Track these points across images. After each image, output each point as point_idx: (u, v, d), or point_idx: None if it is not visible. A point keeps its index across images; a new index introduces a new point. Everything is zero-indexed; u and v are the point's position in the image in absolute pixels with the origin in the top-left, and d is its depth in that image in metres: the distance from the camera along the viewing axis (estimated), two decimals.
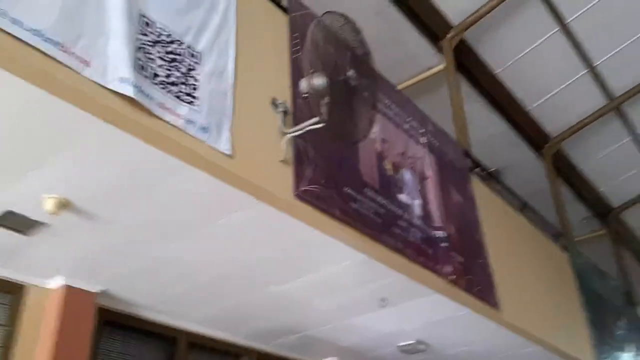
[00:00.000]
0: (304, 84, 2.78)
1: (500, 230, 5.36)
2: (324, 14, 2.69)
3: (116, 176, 2.65)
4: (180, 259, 3.52)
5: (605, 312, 7.35)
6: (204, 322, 4.56)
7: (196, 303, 4.25)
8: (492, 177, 5.90)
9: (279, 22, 3.47)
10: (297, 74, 3.28)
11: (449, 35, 6.60)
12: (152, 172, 2.64)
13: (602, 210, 11.11)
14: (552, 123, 8.74)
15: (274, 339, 5.01)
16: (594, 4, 7.08)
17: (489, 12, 6.58)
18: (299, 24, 3.57)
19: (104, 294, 3.81)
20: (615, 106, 8.77)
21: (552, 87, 8.14)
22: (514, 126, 8.33)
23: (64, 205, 2.82)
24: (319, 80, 2.62)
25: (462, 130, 5.93)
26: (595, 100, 8.55)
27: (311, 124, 2.83)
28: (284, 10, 3.55)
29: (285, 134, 2.95)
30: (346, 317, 4.60)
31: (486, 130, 7.79)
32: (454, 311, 4.39)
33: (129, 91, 2.24)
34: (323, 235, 3.20)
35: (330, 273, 3.80)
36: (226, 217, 3.04)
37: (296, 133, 2.91)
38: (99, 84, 2.18)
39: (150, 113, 2.33)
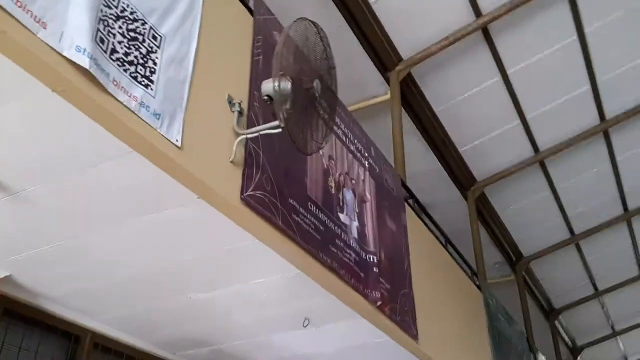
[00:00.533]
0: (267, 86, 2.69)
1: (426, 263, 5.43)
2: (299, 19, 2.62)
3: (52, 153, 2.44)
4: (99, 252, 3.27)
5: (510, 355, 7.59)
6: (113, 323, 4.28)
7: (108, 302, 3.97)
8: (423, 210, 6.00)
9: (244, 21, 3.39)
10: (255, 77, 3.20)
11: (397, 68, 6.72)
12: (91, 154, 2.45)
13: (513, 257, 11.60)
14: (480, 167, 9.06)
15: (183, 349, 4.78)
16: (534, 60, 7.45)
17: (438, 51, 6.77)
18: (262, 28, 3.50)
19: (7, 279, 3.50)
20: (539, 159, 9.22)
21: (485, 132, 8.46)
22: (444, 165, 8.56)
23: None
24: (286, 85, 2.53)
25: (400, 161, 6.01)
26: (522, 150, 8.97)
27: (269, 127, 2.74)
28: (250, 11, 3.47)
29: (239, 134, 2.83)
30: (264, 334, 4.47)
31: (419, 164, 7.95)
32: (375, 337, 4.36)
33: (84, 62, 2.07)
34: (261, 245, 3.09)
35: (259, 285, 3.67)
36: (160, 212, 2.87)
37: (251, 135, 2.81)
38: (53, 49, 2.00)
39: (103, 89, 2.16)
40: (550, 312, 14.13)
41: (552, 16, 6.92)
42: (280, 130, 2.72)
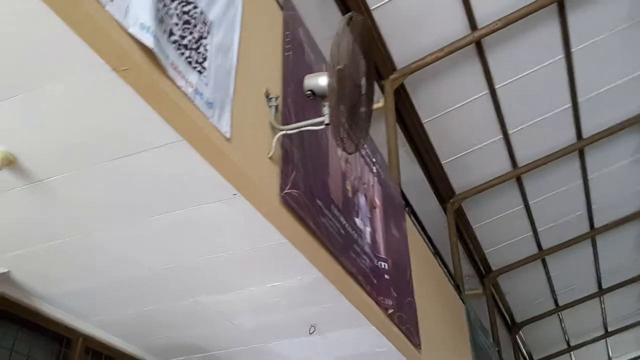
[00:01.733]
0: (310, 81, 2.60)
1: (422, 272, 5.40)
2: (352, 13, 2.54)
3: (92, 139, 2.27)
4: (109, 250, 3.06)
5: None
6: (106, 326, 4.06)
7: (104, 303, 3.76)
8: (417, 220, 5.98)
9: (276, 16, 3.29)
10: (286, 73, 3.10)
11: (392, 76, 6.71)
12: (136, 142, 2.29)
13: (482, 270, 11.74)
14: (460, 180, 9.14)
15: (176, 355, 4.58)
16: (522, 76, 7.58)
17: (432, 62, 6.80)
18: (290, 24, 3.40)
19: (3, 277, 3.26)
20: (516, 175, 9.38)
21: (468, 145, 8.54)
22: (427, 176, 8.60)
23: (9, 162, 2.38)
24: (335, 80, 2.44)
25: (395, 169, 5.98)
26: (501, 165, 9.10)
27: (313, 123, 2.64)
28: (280, 6, 3.37)
29: (278, 129, 2.72)
30: (265, 341, 4.32)
31: (403, 174, 7.94)
32: (378, 347, 4.28)
33: (149, 41, 1.93)
34: (290, 246, 2.97)
35: (274, 289, 3.55)
36: (190, 208, 2.72)
37: (292, 131, 2.70)
38: (119, 25, 1.86)
39: (164, 72, 2.02)
40: (513, 326, 14.36)
41: (543, 34, 7.07)
42: (324, 127, 2.63)
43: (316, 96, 2.69)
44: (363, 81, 2.64)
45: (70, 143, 2.29)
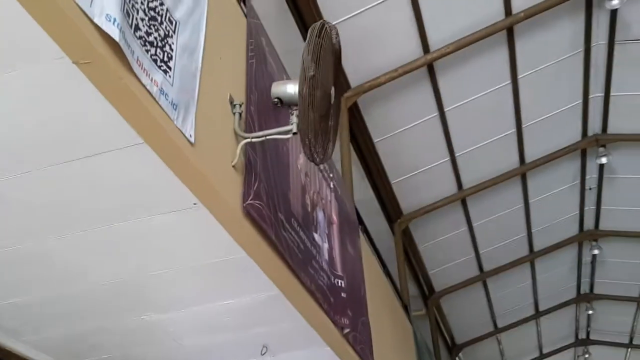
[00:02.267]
0: (278, 89, 2.51)
1: (374, 292, 5.34)
2: (322, 21, 2.48)
3: (44, 139, 2.09)
4: (54, 261, 2.82)
5: None
6: (42, 347, 3.76)
7: (41, 321, 3.48)
8: (369, 238, 5.93)
9: (240, 23, 3.19)
10: (249, 80, 2.99)
11: (346, 94, 6.69)
12: (94, 143, 2.12)
13: (426, 291, 11.82)
14: (408, 200, 9.20)
15: None
16: (470, 100, 7.74)
17: (386, 82, 6.84)
18: (254, 32, 3.31)
19: None
20: (461, 197, 9.53)
21: (417, 166, 8.63)
22: (377, 195, 8.61)
23: None
24: (305, 88, 2.36)
25: (349, 186, 5.93)
26: (448, 187, 9.24)
27: (280, 132, 2.54)
28: (244, 14, 3.28)
29: (242, 137, 2.60)
30: None
31: (355, 192, 7.92)
32: None
33: (114, 33, 1.79)
34: (249, 261, 2.84)
35: (227, 307, 3.39)
36: (147, 217, 2.56)
37: (257, 139, 2.59)
38: (84, 14, 1.71)
39: (129, 68, 1.88)
40: (453, 347, 14.50)
41: (492, 59, 7.26)
42: (291, 135, 2.54)
43: (283, 104, 2.60)
44: (332, 90, 2.56)
45: (19, 140, 2.10)
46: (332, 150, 2.73)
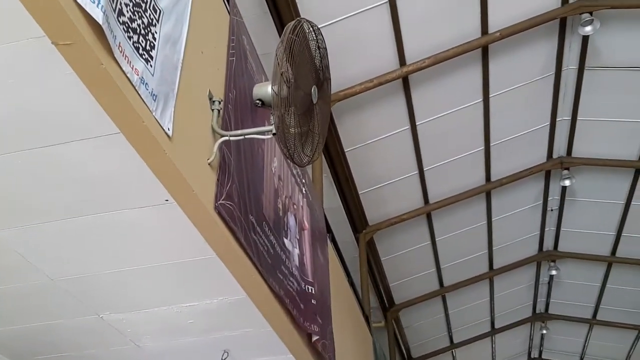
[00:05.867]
0: (260, 90, 2.45)
1: (338, 300, 5.29)
2: (300, 19, 2.43)
3: (11, 124, 1.98)
4: (7, 251, 2.71)
5: None
6: None
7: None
8: (335, 247, 5.89)
9: (223, 19, 3.12)
10: (229, 78, 2.93)
11: None
12: (66, 130, 2.04)
13: (386, 303, 11.84)
14: (374, 211, 9.21)
15: None
16: (441, 116, 7.81)
17: (361, 92, 6.83)
18: (236, 30, 3.24)
19: None
20: (427, 211, 9.59)
21: (385, 178, 8.64)
22: (344, 205, 8.58)
23: None
24: (284, 89, 2.31)
25: (320, 194, 5.89)
26: (414, 200, 9.28)
27: (259, 132, 2.48)
28: (228, 11, 3.21)
29: (220, 134, 2.53)
30: None
31: (324, 199, 7.89)
32: None
33: (98, 15, 1.71)
34: (217, 262, 2.76)
35: (190, 309, 3.30)
36: (115, 211, 2.47)
37: (236, 138, 2.52)
38: None
39: (110, 53, 1.80)
40: None
41: (465, 77, 7.33)
42: (271, 136, 2.48)
43: (265, 105, 2.54)
44: (314, 89, 2.51)
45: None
46: (318, 152, 2.67)
